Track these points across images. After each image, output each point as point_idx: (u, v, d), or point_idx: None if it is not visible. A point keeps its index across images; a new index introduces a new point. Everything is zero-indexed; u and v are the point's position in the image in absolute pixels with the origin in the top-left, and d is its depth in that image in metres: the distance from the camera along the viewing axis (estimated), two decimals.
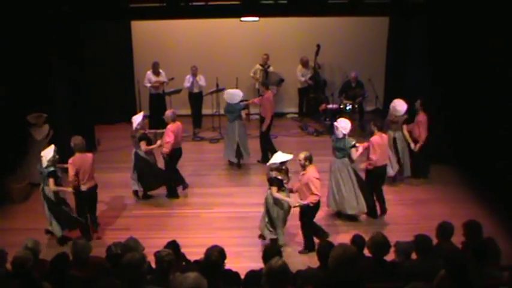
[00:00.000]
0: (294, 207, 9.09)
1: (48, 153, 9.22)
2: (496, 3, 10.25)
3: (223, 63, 15.12)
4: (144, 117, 11.06)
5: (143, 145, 10.67)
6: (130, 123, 10.94)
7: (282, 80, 15.19)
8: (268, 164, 9.29)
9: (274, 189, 8.96)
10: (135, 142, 10.84)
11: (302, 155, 8.95)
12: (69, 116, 12.09)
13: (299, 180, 9.09)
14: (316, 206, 9.01)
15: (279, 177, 8.96)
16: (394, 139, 11.46)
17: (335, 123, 10.10)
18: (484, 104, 11.13)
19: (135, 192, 11.15)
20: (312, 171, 8.90)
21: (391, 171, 11.17)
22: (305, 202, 8.85)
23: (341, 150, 9.93)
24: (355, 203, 10.05)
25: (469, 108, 11.60)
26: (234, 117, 12.28)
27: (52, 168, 9.16)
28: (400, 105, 11.26)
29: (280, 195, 8.97)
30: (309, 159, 8.97)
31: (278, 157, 9.13)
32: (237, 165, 12.60)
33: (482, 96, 11.14)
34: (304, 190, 8.95)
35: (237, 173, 12.42)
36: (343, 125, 9.90)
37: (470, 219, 6.86)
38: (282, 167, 9.06)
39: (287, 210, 9.16)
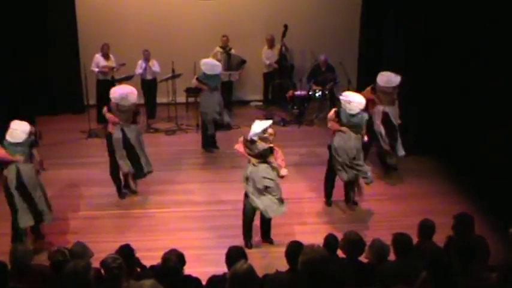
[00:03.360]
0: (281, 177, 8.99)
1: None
2: None
3: (179, 46, 15.04)
4: None
5: None
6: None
7: (243, 61, 15.06)
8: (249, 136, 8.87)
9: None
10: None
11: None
12: (3, 107, 11.80)
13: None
14: None
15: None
16: (386, 114, 11.14)
17: (345, 97, 9.81)
18: (463, 93, 11.29)
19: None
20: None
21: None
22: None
23: (356, 126, 9.85)
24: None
25: (447, 94, 11.74)
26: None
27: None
28: (394, 76, 11.04)
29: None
30: None
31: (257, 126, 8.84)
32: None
33: (461, 85, 11.30)
34: None
35: (197, 168, 12.33)
36: (358, 100, 9.79)
37: (462, 212, 6.89)
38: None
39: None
